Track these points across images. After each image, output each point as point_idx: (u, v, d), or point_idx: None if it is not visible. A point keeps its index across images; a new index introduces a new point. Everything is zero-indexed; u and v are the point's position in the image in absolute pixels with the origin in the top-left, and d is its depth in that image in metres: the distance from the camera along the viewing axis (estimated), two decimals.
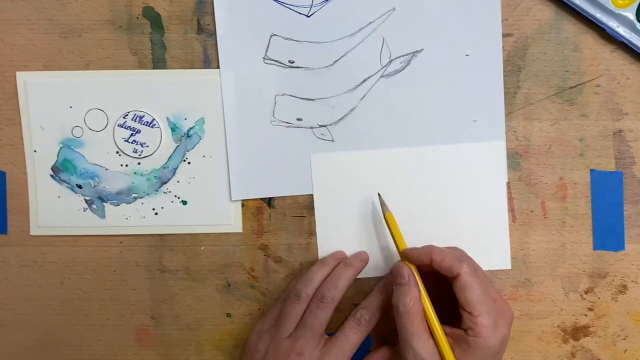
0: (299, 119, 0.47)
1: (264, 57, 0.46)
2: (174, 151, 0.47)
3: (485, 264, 0.46)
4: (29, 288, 0.49)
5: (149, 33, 0.47)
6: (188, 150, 0.47)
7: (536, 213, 0.47)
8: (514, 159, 0.47)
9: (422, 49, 0.46)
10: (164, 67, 0.47)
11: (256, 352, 0.44)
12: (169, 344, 0.49)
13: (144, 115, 0.47)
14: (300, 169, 0.47)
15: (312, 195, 0.47)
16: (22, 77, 0.47)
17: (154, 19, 0.47)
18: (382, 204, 0.45)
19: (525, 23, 0.46)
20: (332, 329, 0.47)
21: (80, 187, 0.48)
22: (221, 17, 0.46)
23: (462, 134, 0.46)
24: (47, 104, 0.47)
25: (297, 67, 0.46)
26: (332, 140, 0.47)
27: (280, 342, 0.43)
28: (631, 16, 0.44)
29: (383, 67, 0.46)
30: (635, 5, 0.44)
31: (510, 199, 0.47)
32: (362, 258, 0.46)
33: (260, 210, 0.48)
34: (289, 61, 0.46)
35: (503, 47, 0.46)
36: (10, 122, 0.48)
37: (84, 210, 0.48)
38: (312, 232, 0.48)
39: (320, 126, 0.47)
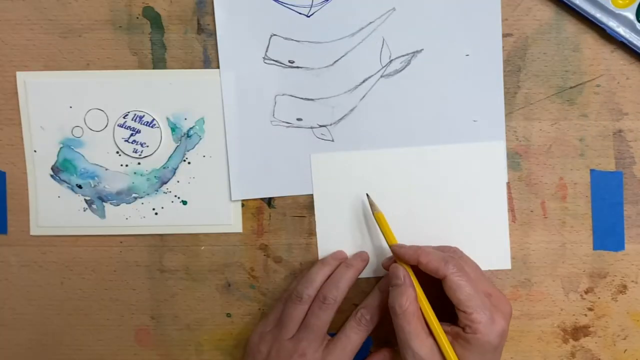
0: (299, 119, 0.47)
1: (264, 57, 0.46)
2: (174, 151, 0.47)
3: (485, 264, 0.46)
4: (29, 288, 0.49)
5: (149, 33, 0.47)
6: (188, 150, 0.47)
7: (536, 213, 0.47)
8: (514, 159, 0.47)
9: (422, 49, 0.46)
10: (164, 67, 0.47)
11: (258, 354, 0.44)
12: (169, 344, 0.49)
13: (144, 115, 0.47)
14: (300, 169, 0.47)
15: (312, 195, 0.47)
16: (22, 77, 0.47)
17: (154, 19, 0.47)
18: (372, 204, 0.45)
19: (525, 23, 0.46)
20: (333, 329, 0.47)
21: (80, 187, 0.48)
22: (221, 17, 0.46)
23: (462, 134, 0.46)
24: (47, 104, 0.47)
25: (297, 67, 0.46)
26: (332, 140, 0.47)
27: (283, 343, 0.43)
28: (631, 16, 0.44)
29: (383, 67, 0.46)
30: (635, 5, 0.44)
31: (510, 199, 0.47)
32: (362, 258, 0.46)
33: (260, 210, 0.48)
34: (289, 61, 0.46)
35: (503, 47, 0.46)
36: (10, 122, 0.48)
37: (84, 210, 0.48)
38: (312, 232, 0.48)
39: (320, 126, 0.47)
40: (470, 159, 0.46)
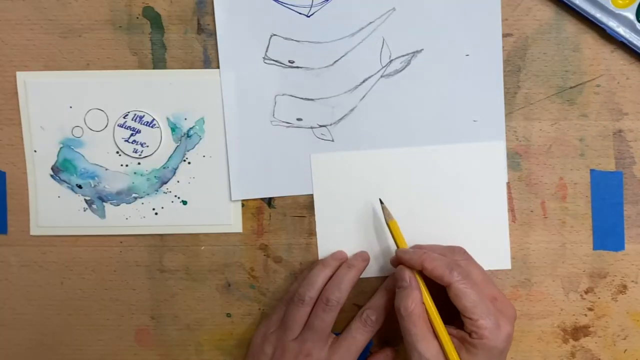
0: (299, 119, 0.47)
1: (264, 57, 0.46)
2: (174, 151, 0.47)
3: (485, 264, 0.46)
4: (29, 288, 0.49)
5: (149, 33, 0.47)
6: (188, 150, 0.47)
7: (536, 213, 0.47)
8: (514, 159, 0.47)
9: (422, 49, 0.46)
10: (164, 67, 0.47)
11: (262, 355, 0.44)
12: (169, 344, 0.49)
13: (144, 115, 0.47)
14: (300, 169, 0.47)
15: (312, 195, 0.47)
16: (22, 77, 0.47)
17: (154, 19, 0.47)
18: (385, 211, 0.45)
19: (525, 23, 0.46)
20: (333, 329, 0.47)
21: (80, 187, 0.48)
22: (221, 17, 0.46)
23: (462, 134, 0.46)
24: (47, 104, 0.47)
25: (297, 67, 0.46)
26: (332, 140, 0.47)
27: (287, 344, 0.43)
28: (631, 16, 0.44)
29: (383, 67, 0.46)
30: (635, 5, 0.44)
31: (510, 199, 0.47)
32: (363, 258, 0.46)
33: (260, 210, 0.48)
34: (289, 61, 0.46)
35: (503, 47, 0.46)
36: (10, 122, 0.48)
37: (84, 210, 0.48)
38: (312, 232, 0.48)
39: (320, 126, 0.47)
40: (470, 159, 0.46)
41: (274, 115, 0.47)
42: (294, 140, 0.47)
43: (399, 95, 0.46)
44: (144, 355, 0.49)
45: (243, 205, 0.48)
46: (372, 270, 0.47)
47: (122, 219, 0.48)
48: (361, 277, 0.46)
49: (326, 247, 0.47)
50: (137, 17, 0.46)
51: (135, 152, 0.47)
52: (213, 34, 0.46)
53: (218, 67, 0.46)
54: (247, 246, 0.48)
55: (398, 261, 0.43)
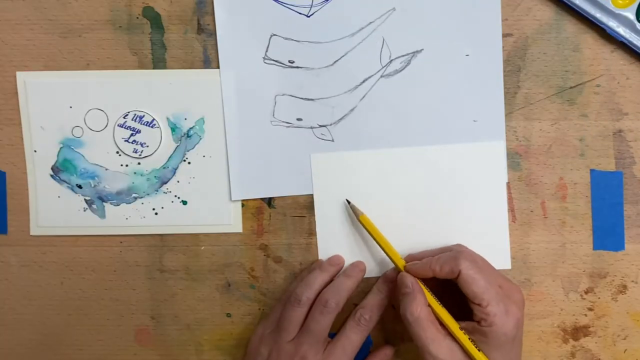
0: (299, 119, 0.47)
1: (264, 57, 0.46)
2: (174, 151, 0.47)
3: None
4: (29, 288, 0.49)
5: (149, 33, 0.47)
6: (188, 150, 0.47)
7: (536, 213, 0.47)
8: (514, 159, 0.47)
9: (422, 49, 0.46)
10: (164, 67, 0.47)
11: (258, 356, 0.44)
12: (169, 344, 0.49)
13: (144, 115, 0.47)
14: (300, 169, 0.47)
15: (312, 195, 0.47)
16: (22, 77, 0.47)
17: (154, 19, 0.47)
18: (353, 209, 0.46)
19: (525, 23, 0.46)
20: (333, 329, 0.47)
21: (80, 187, 0.48)
22: (221, 17, 0.46)
23: (462, 134, 0.46)
24: (47, 104, 0.47)
25: (297, 67, 0.46)
26: (332, 140, 0.47)
27: (283, 346, 0.43)
28: (631, 16, 0.44)
29: (383, 67, 0.46)
30: (635, 5, 0.44)
31: (510, 199, 0.47)
32: (360, 269, 0.46)
33: (260, 210, 0.48)
34: (289, 61, 0.46)
35: (503, 47, 0.46)
36: (10, 122, 0.48)
37: (84, 210, 0.48)
38: (312, 232, 0.48)
39: (320, 126, 0.47)
40: (470, 159, 0.46)
41: (274, 115, 0.47)
42: (294, 140, 0.47)
43: (399, 95, 0.46)
44: (144, 355, 0.49)
45: (243, 205, 0.48)
46: (373, 271, 0.47)
47: (122, 219, 0.48)
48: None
49: (326, 247, 0.47)
50: (137, 17, 0.46)
51: (135, 152, 0.47)
52: (213, 34, 0.46)
53: (218, 67, 0.46)
54: (247, 246, 0.48)
55: (408, 274, 0.43)
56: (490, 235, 0.47)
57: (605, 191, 0.47)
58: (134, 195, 0.48)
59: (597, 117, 0.46)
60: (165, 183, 0.48)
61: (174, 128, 0.47)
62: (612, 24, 0.44)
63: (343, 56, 0.46)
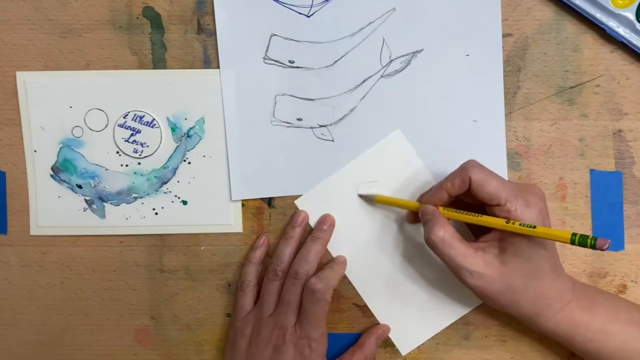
0: (299, 119, 0.47)
1: (264, 57, 0.46)
2: (174, 151, 0.47)
3: None
4: (29, 288, 0.49)
5: (149, 33, 0.47)
6: (188, 150, 0.47)
7: None
8: (514, 159, 0.47)
9: (422, 49, 0.46)
10: (164, 67, 0.47)
11: (241, 338, 0.45)
12: (169, 344, 0.49)
13: (144, 115, 0.47)
14: (300, 169, 0.47)
15: None
16: (22, 77, 0.47)
17: (154, 19, 0.47)
18: (367, 198, 0.46)
19: (525, 23, 0.46)
20: (333, 329, 0.47)
21: (80, 187, 0.48)
22: (221, 17, 0.46)
23: (462, 134, 0.46)
24: (47, 104, 0.47)
25: (297, 67, 0.46)
26: (332, 140, 0.47)
27: (264, 320, 0.45)
28: (631, 16, 0.44)
29: (383, 67, 0.46)
30: (635, 5, 0.44)
31: None
32: (330, 223, 0.47)
33: (260, 210, 0.48)
34: (289, 61, 0.46)
35: (503, 47, 0.46)
36: (10, 122, 0.48)
37: (84, 210, 0.48)
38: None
39: (320, 126, 0.47)
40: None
41: (274, 115, 0.47)
42: (294, 140, 0.47)
43: (399, 95, 0.46)
44: (144, 355, 0.49)
45: (243, 205, 0.48)
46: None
47: (122, 219, 0.48)
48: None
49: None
50: (137, 17, 0.46)
51: (136, 152, 0.47)
52: (213, 34, 0.46)
53: (218, 67, 0.46)
54: (247, 246, 0.48)
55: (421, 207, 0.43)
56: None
57: (605, 191, 0.47)
58: (134, 195, 0.48)
59: (597, 117, 0.46)
60: (166, 183, 0.48)
61: (174, 128, 0.47)
62: (612, 24, 0.44)
63: (343, 56, 0.46)
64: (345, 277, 0.47)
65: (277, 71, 0.46)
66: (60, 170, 0.48)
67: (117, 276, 0.49)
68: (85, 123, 0.47)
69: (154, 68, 0.47)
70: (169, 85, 0.47)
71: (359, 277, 0.47)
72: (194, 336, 0.49)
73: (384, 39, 0.46)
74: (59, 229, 0.48)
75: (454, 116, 0.46)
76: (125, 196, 0.48)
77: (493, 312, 0.46)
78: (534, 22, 0.46)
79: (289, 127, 0.47)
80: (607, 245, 0.35)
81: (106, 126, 0.47)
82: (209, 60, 0.47)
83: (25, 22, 0.47)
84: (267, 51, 0.46)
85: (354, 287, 0.47)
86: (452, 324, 0.47)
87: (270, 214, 0.48)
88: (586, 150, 0.47)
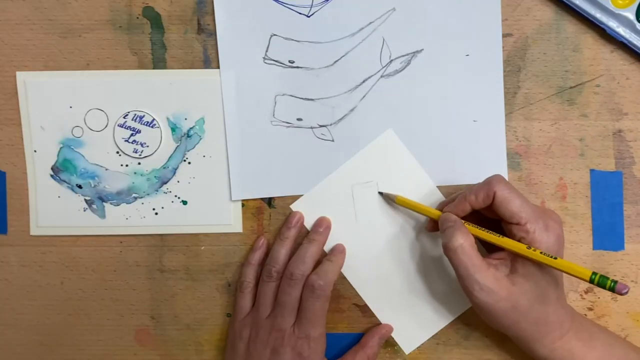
0: (299, 119, 0.47)
1: (264, 57, 0.46)
2: (174, 151, 0.47)
3: None
4: (29, 288, 0.49)
5: (149, 33, 0.47)
6: (188, 150, 0.47)
7: None
8: (514, 159, 0.47)
9: (422, 49, 0.46)
10: (164, 67, 0.47)
11: (239, 340, 0.45)
12: (169, 344, 0.49)
13: (144, 115, 0.47)
14: (300, 169, 0.47)
15: None
16: (22, 77, 0.47)
17: (154, 19, 0.47)
18: (388, 197, 0.46)
19: (525, 23, 0.46)
20: (333, 329, 0.47)
21: (80, 187, 0.48)
22: (221, 17, 0.46)
23: (462, 134, 0.46)
24: (47, 104, 0.47)
25: (297, 67, 0.46)
26: (332, 140, 0.47)
27: (261, 322, 0.45)
28: (631, 16, 0.44)
29: (383, 67, 0.46)
30: (635, 5, 0.44)
31: None
32: (326, 225, 0.47)
33: (260, 210, 0.48)
34: (289, 61, 0.46)
35: (503, 47, 0.46)
36: (10, 122, 0.48)
37: (84, 210, 0.48)
38: None
39: (320, 126, 0.47)
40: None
41: (274, 115, 0.47)
42: (294, 140, 0.47)
43: (399, 95, 0.46)
44: (144, 355, 0.49)
45: (243, 205, 0.48)
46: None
47: (122, 219, 0.48)
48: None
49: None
50: (137, 17, 0.46)
51: (136, 152, 0.47)
52: (213, 34, 0.46)
53: (218, 67, 0.46)
54: (247, 246, 0.48)
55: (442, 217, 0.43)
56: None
57: (605, 191, 0.47)
58: (134, 195, 0.48)
59: (597, 117, 0.46)
60: (166, 183, 0.48)
61: (174, 128, 0.47)
62: (612, 24, 0.44)
63: (343, 56, 0.46)
64: (344, 278, 0.47)
65: (277, 71, 0.46)
66: (60, 170, 0.48)
67: (117, 276, 0.49)
68: (85, 123, 0.47)
69: (154, 68, 0.47)
70: (169, 85, 0.47)
71: (358, 277, 0.47)
72: (194, 336, 0.49)
73: (384, 39, 0.46)
74: (59, 229, 0.48)
75: (454, 116, 0.46)
76: (125, 196, 0.48)
77: None
78: (534, 22, 0.46)
79: (289, 127, 0.47)
80: (626, 290, 0.36)
81: (106, 126, 0.47)
82: (209, 60, 0.47)
83: (25, 22, 0.47)
84: (267, 51, 0.46)
85: (353, 287, 0.47)
86: (452, 324, 0.47)
87: (270, 214, 0.48)
88: (586, 150, 0.47)
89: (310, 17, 0.46)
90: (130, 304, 0.49)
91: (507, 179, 0.47)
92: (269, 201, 0.48)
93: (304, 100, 0.47)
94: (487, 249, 0.45)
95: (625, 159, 0.46)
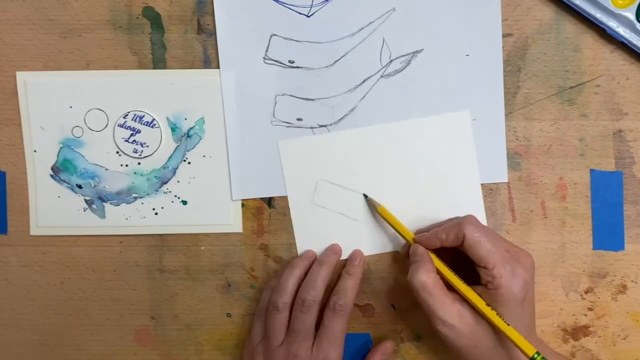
0: (299, 119, 0.47)
1: (264, 57, 0.46)
2: (174, 151, 0.47)
3: None
4: (29, 288, 0.49)
5: (149, 33, 0.47)
6: (188, 150, 0.47)
7: (536, 213, 0.47)
8: (514, 159, 0.47)
9: (422, 49, 0.46)
10: (164, 67, 0.47)
11: None
12: (169, 344, 0.49)
13: (144, 115, 0.47)
14: None
15: None
16: (22, 77, 0.47)
17: (154, 19, 0.47)
18: (370, 202, 0.46)
19: (525, 23, 0.46)
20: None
21: (80, 187, 0.48)
22: (221, 17, 0.46)
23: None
24: (47, 104, 0.47)
25: (297, 67, 0.46)
26: None
27: (274, 351, 0.43)
28: (631, 16, 0.44)
29: (383, 67, 0.46)
30: (635, 5, 0.44)
31: (510, 198, 0.47)
32: (334, 251, 0.46)
33: (260, 210, 0.48)
34: (289, 61, 0.46)
35: (503, 47, 0.46)
36: (10, 122, 0.48)
37: (84, 210, 0.48)
38: None
39: (320, 126, 0.47)
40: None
41: (274, 115, 0.47)
42: None
43: (399, 95, 0.46)
44: (144, 355, 0.49)
45: (243, 205, 0.48)
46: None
47: (122, 219, 0.48)
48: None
49: (303, 237, 0.47)
50: (137, 17, 0.46)
51: (135, 152, 0.47)
52: (213, 34, 0.46)
53: (218, 67, 0.47)
54: (247, 246, 0.48)
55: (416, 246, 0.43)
56: (464, 207, 0.46)
57: (605, 191, 0.47)
58: (134, 195, 0.48)
59: (597, 117, 0.46)
60: (165, 183, 0.48)
61: (174, 128, 0.47)
62: (612, 24, 0.44)
63: (343, 56, 0.46)
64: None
65: (277, 71, 0.46)
66: (60, 170, 0.48)
67: (117, 276, 0.49)
68: (85, 123, 0.47)
69: (154, 68, 0.47)
70: (169, 85, 0.47)
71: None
72: (194, 336, 0.49)
73: (384, 39, 0.46)
74: (59, 229, 0.48)
75: (454, 116, 0.46)
76: (125, 196, 0.48)
77: None
78: (534, 22, 0.46)
79: (289, 127, 0.47)
80: None
81: (106, 126, 0.47)
82: (209, 60, 0.47)
83: (25, 22, 0.47)
84: (267, 51, 0.46)
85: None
86: None
87: (270, 214, 0.48)
88: (586, 150, 0.47)
89: (310, 17, 0.46)
90: (130, 304, 0.49)
91: (507, 179, 0.47)
92: (269, 201, 0.48)
93: (304, 100, 0.47)
94: (465, 277, 0.44)
95: (625, 159, 0.46)
